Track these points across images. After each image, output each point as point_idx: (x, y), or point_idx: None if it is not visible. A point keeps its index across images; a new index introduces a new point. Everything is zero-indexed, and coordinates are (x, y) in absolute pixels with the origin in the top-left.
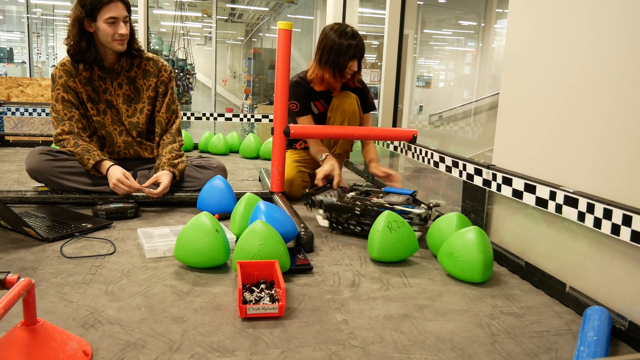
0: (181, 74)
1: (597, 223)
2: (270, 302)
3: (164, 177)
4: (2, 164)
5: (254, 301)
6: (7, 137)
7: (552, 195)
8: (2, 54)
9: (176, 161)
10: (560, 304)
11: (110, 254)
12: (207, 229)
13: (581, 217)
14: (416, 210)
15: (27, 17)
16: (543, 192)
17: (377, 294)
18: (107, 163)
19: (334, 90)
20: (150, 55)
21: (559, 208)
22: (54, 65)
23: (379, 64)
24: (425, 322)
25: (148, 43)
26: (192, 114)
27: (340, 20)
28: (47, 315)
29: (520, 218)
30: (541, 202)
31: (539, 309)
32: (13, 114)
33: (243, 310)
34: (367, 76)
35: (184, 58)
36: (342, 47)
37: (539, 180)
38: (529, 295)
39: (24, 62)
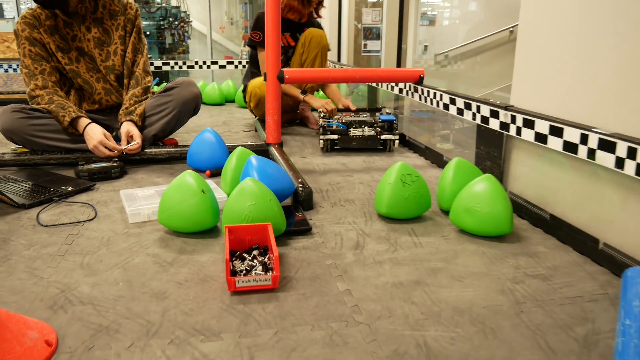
0: (175, 22)
1: None
2: (262, 271)
3: (131, 129)
4: None
5: (244, 271)
6: None
7: (584, 139)
8: None
9: (132, 108)
10: (592, 263)
11: (90, 219)
12: (192, 189)
13: (619, 163)
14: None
15: None
16: (572, 135)
17: (384, 256)
18: (84, 121)
19: (303, 17)
20: None
21: (591, 153)
22: None
23: (381, 1)
24: (439, 289)
25: None
26: (184, 63)
27: None
28: (13, 295)
29: (543, 165)
30: (570, 147)
31: (569, 269)
32: (5, 71)
33: (231, 283)
34: (367, 15)
35: (177, 5)
36: None
37: (567, 122)
38: (556, 253)
39: (14, 19)
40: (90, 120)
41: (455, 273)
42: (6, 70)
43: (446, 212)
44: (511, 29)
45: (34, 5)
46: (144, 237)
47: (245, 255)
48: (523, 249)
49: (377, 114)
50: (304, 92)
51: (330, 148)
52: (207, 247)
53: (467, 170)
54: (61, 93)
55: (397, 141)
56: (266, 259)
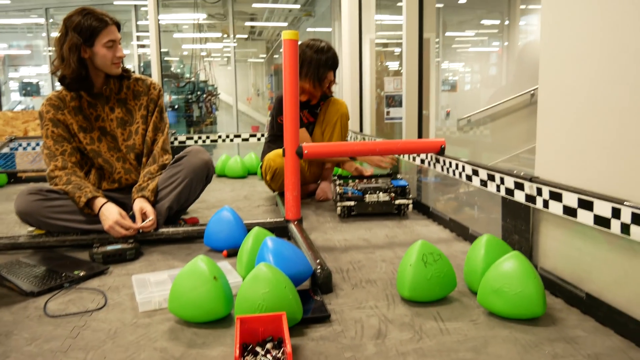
0: (203, 96)
1: None
2: None
3: (144, 206)
4: (8, 204)
5: None
6: (19, 174)
7: (616, 213)
8: (29, 88)
9: (145, 184)
10: (637, 348)
11: (100, 308)
12: (204, 276)
13: None
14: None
15: (49, 50)
16: (603, 208)
17: (407, 346)
18: (100, 200)
19: (314, 99)
20: (137, 75)
21: (625, 228)
22: None
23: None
24: None
25: (162, 67)
26: (208, 137)
27: (357, 30)
28: None
29: (575, 239)
30: (601, 221)
31: (612, 357)
32: (33, 149)
33: None
34: (389, 84)
35: (206, 79)
36: (320, 61)
37: (596, 194)
38: (596, 337)
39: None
40: (106, 200)
41: None
42: (34, 148)
43: (475, 293)
44: (532, 92)
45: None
46: (152, 329)
47: (257, 349)
48: (559, 334)
49: (390, 179)
50: (352, 158)
51: (347, 214)
52: (218, 339)
53: (499, 248)
54: (80, 173)
55: (410, 205)
56: (279, 354)
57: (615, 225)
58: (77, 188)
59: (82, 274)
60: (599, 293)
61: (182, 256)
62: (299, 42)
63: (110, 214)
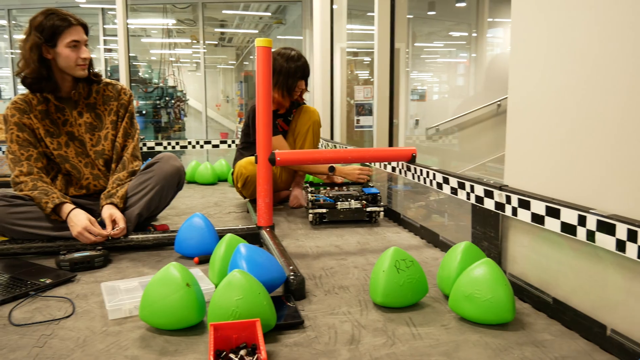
0: (171, 102)
1: None
2: None
3: (113, 213)
4: None
5: None
6: None
7: (582, 220)
8: None
9: (114, 190)
10: (601, 351)
11: (67, 316)
12: (177, 283)
13: (620, 246)
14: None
15: (11, 53)
16: (569, 216)
17: (381, 351)
18: (67, 206)
19: (282, 108)
20: (108, 80)
21: (590, 235)
22: None
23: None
24: None
25: (130, 71)
26: (177, 143)
27: (328, 39)
28: None
29: (542, 246)
30: (568, 228)
31: (578, 359)
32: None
33: None
34: (359, 93)
35: (174, 85)
36: (290, 70)
37: (563, 203)
38: (562, 341)
39: (10, 99)
40: (74, 206)
41: None
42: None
43: (447, 297)
44: (499, 102)
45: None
46: (123, 337)
47: (231, 356)
48: (528, 337)
49: (361, 187)
50: (331, 169)
51: (319, 221)
52: (191, 346)
53: (475, 256)
54: (46, 179)
55: (382, 213)
56: None
57: (581, 233)
58: (44, 194)
59: (48, 281)
60: (565, 298)
61: (153, 263)
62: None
63: (78, 220)
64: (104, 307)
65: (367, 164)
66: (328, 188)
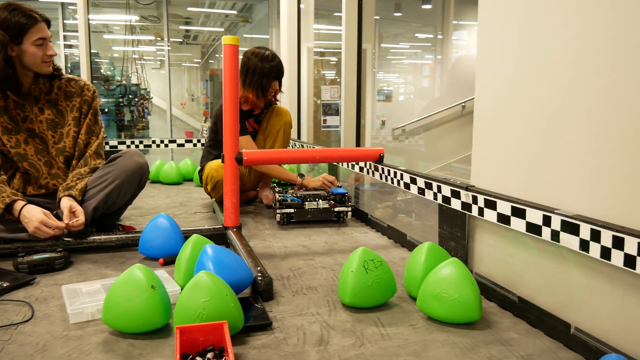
0: (135, 100)
1: (606, 253)
2: None
3: (73, 205)
4: None
5: None
6: None
7: (546, 221)
8: None
9: (73, 183)
10: (565, 349)
11: (26, 321)
12: (141, 285)
13: (584, 245)
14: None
15: None
16: (534, 216)
17: (350, 352)
18: (19, 204)
19: (257, 109)
20: (70, 76)
21: (555, 235)
22: None
23: (338, 80)
24: None
25: (92, 68)
26: (141, 142)
27: (295, 38)
28: None
29: (508, 246)
30: (533, 228)
31: (544, 357)
32: None
33: None
34: (326, 92)
35: (138, 83)
36: (264, 70)
37: (528, 203)
38: (528, 339)
39: None
40: (26, 202)
41: None
42: None
43: (414, 298)
44: (463, 104)
45: None
46: (85, 341)
47: (198, 359)
48: (494, 336)
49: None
50: (301, 176)
51: (286, 221)
52: (156, 349)
53: (439, 256)
54: (1, 178)
55: (349, 213)
56: None
57: (546, 232)
58: None
59: (5, 284)
60: (530, 297)
61: (116, 265)
62: (244, 50)
63: (32, 215)
64: (65, 311)
65: (335, 164)
66: (296, 188)
